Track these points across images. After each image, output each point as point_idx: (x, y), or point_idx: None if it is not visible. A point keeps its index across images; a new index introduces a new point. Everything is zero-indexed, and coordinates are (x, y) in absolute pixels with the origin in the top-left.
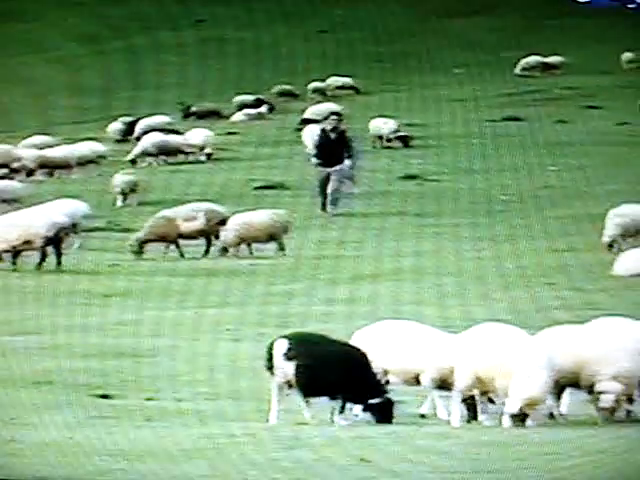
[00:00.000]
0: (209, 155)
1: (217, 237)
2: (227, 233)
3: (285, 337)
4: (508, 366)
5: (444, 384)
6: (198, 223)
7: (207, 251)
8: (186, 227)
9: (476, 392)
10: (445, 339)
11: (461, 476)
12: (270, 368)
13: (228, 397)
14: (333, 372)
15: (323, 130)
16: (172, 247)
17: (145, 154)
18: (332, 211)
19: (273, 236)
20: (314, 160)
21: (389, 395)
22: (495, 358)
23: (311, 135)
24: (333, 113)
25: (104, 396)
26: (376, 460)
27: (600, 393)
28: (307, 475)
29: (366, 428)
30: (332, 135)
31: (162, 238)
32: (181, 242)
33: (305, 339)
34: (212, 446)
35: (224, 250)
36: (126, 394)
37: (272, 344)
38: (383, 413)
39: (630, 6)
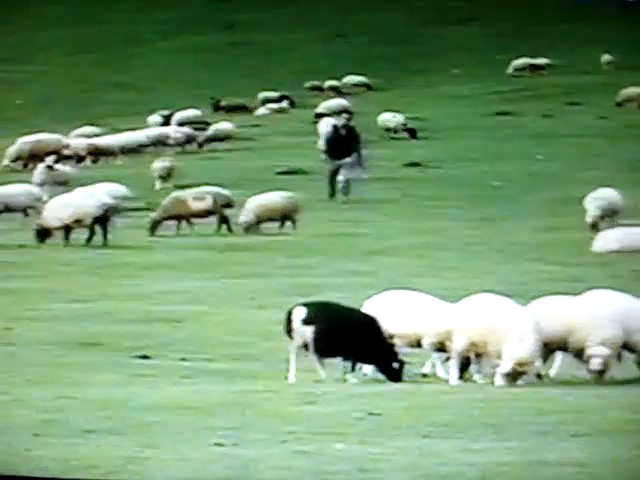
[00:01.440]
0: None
1: (223, 217)
2: (247, 213)
3: (303, 304)
4: (500, 332)
5: (443, 347)
6: (206, 204)
7: (219, 228)
8: (195, 207)
9: (472, 355)
10: (444, 307)
11: (458, 429)
12: (289, 332)
13: (252, 358)
14: (347, 336)
15: (335, 126)
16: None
17: None
18: (343, 198)
19: (287, 215)
20: (325, 153)
21: (400, 357)
22: (488, 325)
23: (324, 127)
24: (344, 111)
25: (144, 357)
26: (383, 414)
27: (590, 357)
28: (322, 427)
29: (374, 385)
30: (342, 131)
31: (174, 217)
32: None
33: (321, 306)
34: (238, 401)
35: (247, 228)
36: (163, 355)
37: (291, 311)
38: (394, 373)
39: None
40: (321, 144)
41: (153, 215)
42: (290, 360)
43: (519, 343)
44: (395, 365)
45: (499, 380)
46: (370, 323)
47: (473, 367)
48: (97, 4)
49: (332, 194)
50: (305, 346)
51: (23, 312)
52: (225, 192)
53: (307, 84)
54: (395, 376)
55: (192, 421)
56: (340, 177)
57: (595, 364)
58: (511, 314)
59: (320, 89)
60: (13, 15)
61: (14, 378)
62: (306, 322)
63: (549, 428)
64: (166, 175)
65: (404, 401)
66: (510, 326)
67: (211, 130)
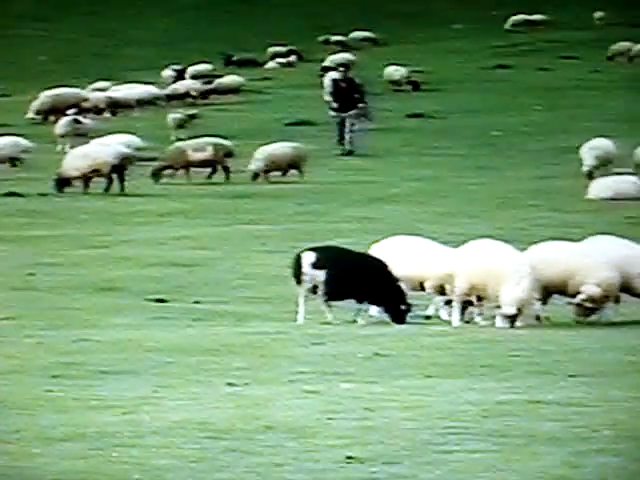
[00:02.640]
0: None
1: (224, 166)
2: (257, 162)
3: (311, 249)
4: (498, 275)
5: (444, 290)
6: (207, 154)
7: (211, 176)
8: (195, 157)
9: (472, 297)
10: (445, 252)
11: (460, 369)
12: (297, 277)
13: (263, 301)
14: (357, 279)
15: (334, 80)
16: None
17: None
18: (349, 148)
19: (294, 165)
20: (330, 107)
21: (407, 300)
22: (487, 268)
23: (327, 81)
24: (340, 65)
25: (159, 300)
26: (388, 354)
27: (579, 293)
28: (329, 367)
29: (380, 327)
30: (342, 84)
31: (175, 166)
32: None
33: (330, 251)
34: (249, 342)
35: (255, 176)
36: (177, 299)
37: (299, 256)
38: (400, 316)
39: None
40: (326, 97)
41: (155, 165)
42: (299, 303)
43: (516, 285)
44: (402, 308)
45: (499, 322)
46: (379, 267)
47: (474, 310)
48: None
49: (341, 143)
50: (314, 289)
51: (44, 259)
52: (225, 142)
53: (320, 38)
54: (401, 318)
55: (205, 362)
56: (344, 131)
57: (579, 297)
58: (509, 258)
59: (328, 43)
60: None
61: (36, 322)
62: (316, 266)
63: (547, 368)
64: (179, 126)
65: (409, 342)
66: (508, 269)
67: (215, 83)
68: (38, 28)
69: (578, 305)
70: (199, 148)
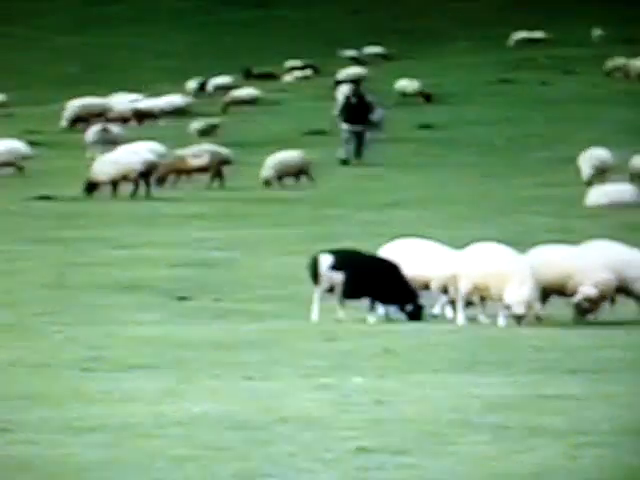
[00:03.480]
0: None
1: (219, 172)
2: (268, 169)
3: (329, 252)
4: (501, 277)
5: (450, 290)
6: (203, 160)
7: (212, 181)
8: (195, 163)
9: (476, 298)
10: (450, 254)
11: (465, 365)
12: (315, 277)
13: (279, 299)
14: (372, 280)
15: (347, 97)
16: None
17: None
18: (358, 159)
19: (303, 171)
20: (339, 119)
21: (418, 299)
22: (490, 270)
23: (339, 95)
24: (352, 81)
25: (181, 298)
26: (397, 350)
27: (576, 293)
28: (342, 361)
29: (390, 325)
30: (353, 99)
31: (176, 172)
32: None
33: (347, 253)
34: (266, 338)
35: (267, 183)
36: (198, 297)
37: (316, 258)
38: (414, 313)
39: None
40: (335, 111)
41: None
42: (314, 301)
43: (520, 287)
44: (415, 306)
45: (502, 321)
46: (392, 268)
47: (478, 309)
48: None
49: (350, 155)
50: (330, 289)
51: (74, 258)
52: (221, 149)
53: (339, 54)
54: (415, 316)
55: (224, 357)
56: (354, 140)
57: (575, 298)
58: (511, 261)
59: (356, 59)
60: None
61: (66, 318)
62: (333, 268)
63: (548, 365)
64: (203, 134)
65: (417, 339)
66: (511, 272)
67: (230, 96)
68: (70, 41)
69: (576, 305)
70: (197, 155)
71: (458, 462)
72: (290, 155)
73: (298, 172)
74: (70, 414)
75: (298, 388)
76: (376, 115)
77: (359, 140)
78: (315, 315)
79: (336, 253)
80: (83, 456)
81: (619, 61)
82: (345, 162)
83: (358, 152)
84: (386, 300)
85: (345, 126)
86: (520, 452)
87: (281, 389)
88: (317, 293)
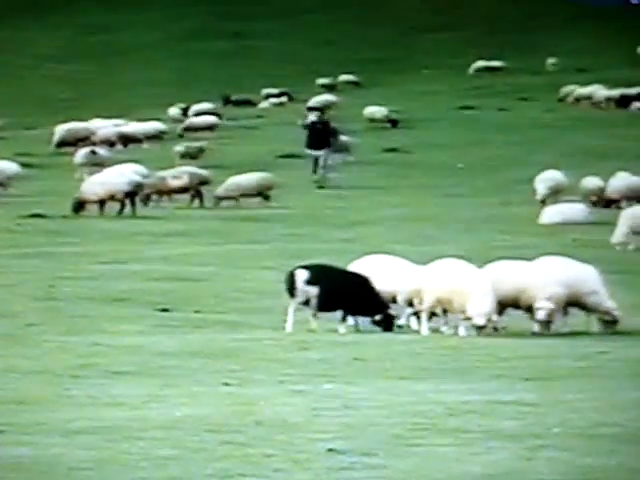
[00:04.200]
0: None
1: (199, 192)
2: (221, 189)
3: (303, 267)
4: (463, 291)
5: (415, 303)
6: (183, 181)
7: (192, 201)
8: (175, 184)
9: (438, 310)
10: (415, 269)
11: (429, 372)
12: (292, 291)
13: (255, 311)
14: (345, 293)
15: (312, 123)
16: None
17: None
18: (323, 182)
19: (260, 192)
20: (306, 146)
21: (389, 311)
22: (452, 285)
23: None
24: (313, 108)
25: (164, 309)
26: (365, 359)
27: (537, 310)
28: (314, 369)
29: (359, 335)
30: (318, 126)
31: (158, 192)
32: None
33: (321, 268)
34: (242, 348)
35: (219, 200)
36: (180, 309)
37: (293, 273)
38: (386, 324)
39: (634, 2)
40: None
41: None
42: (288, 314)
43: (480, 300)
44: (379, 317)
45: (462, 331)
46: (364, 282)
47: (440, 320)
48: (128, 14)
49: (321, 182)
50: (306, 302)
51: (64, 272)
52: (200, 171)
53: (319, 81)
54: (387, 326)
55: (203, 365)
56: (318, 167)
57: (541, 315)
58: (472, 276)
59: (328, 86)
60: (60, 22)
61: (56, 328)
62: (309, 282)
63: (505, 372)
64: (185, 157)
65: (383, 348)
66: (472, 287)
67: (187, 122)
68: (60, 69)
69: (541, 320)
70: (177, 176)
71: (421, 463)
72: (247, 178)
73: (256, 193)
74: (60, 417)
75: (273, 394)
76: (340, 141)
77: (320, 163)
78: (289, 326)
79: (311, 268)
80: (72, 457)
81: (570, 88)
82: (321, 187)
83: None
84: (358, 312)
85: (309, 151)
86: (479, 454)
87: (257, 394)
88: (292, 306)
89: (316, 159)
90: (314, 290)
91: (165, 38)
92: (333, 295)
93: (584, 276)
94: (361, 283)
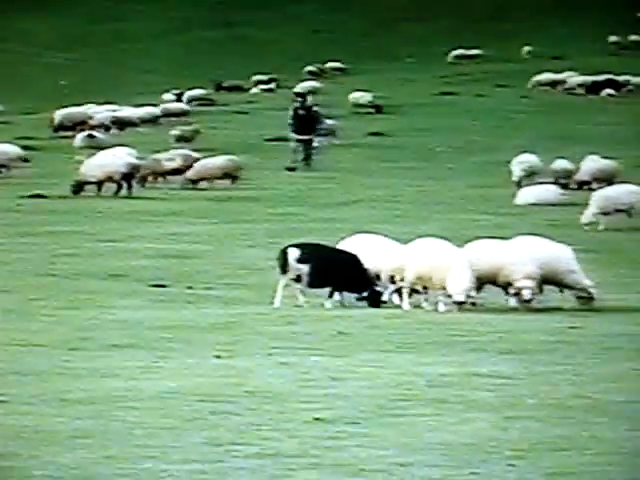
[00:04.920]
0: None
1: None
2: (190, 171)
3: (294, 245)
4: (442, 268)
5: (397, 280)
6: (175, 163)
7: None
8: (167, 165)
9: (419, 287)
10: (397, 248)
11: (410, 346)
12: (283, 268)
13: (245, 287)
14: (335, 270)
15: (295, 109)
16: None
17: None
18: (307, 167)
19: (228, 174)
20: (290, 131)
21: (376, 287)
22: (432, 262)
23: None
24: (297, 94)
25: (159, 285)
26: (350, 332)
27: (520, 289)
28: (301, 343)
29: (344, 310)
30: (301, 112)
31: (153, 174)
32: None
33: (311, 247)
34: (233, 322)
35: (191, 182)
36: (174, 284)
37: (285, 251)
38: (373, 300)
39: None
40: (289, 121)
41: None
42: (278, 290)
43: (459, 277)
44: (365, 294)
45: (442, 307)
46: (353, 259)
47: (421, 296)
48: (129, 4)
49: (293, 165)
50: (296, 279)
51: (63, 250)
52: (192, 153)
53: (306, 69)
54: (372, 302)
55: (196, 338)
56: (300, 149)
57: (526, 294)
58: (451, 254)
59: (314, 73)
60: (60, 12)
61: (56, 303)
62: (300, 260)
63: (482, 346)
64: (181, 140)
65: (367, 323)
66: (451, 264)
67: (162, 108)
68: (61, 57)
69: (523, 300)
70: (171, 158)
71: (403, 432)
72: (215, 160)
73: (224, 175)
74: (59, 388)
75: (262, 366)
76: (324, 125)
77: (307, 149)
78: (278, 302)
79: (302, 246)
80: (71, 426)
81: (545, 76)
82: (291, 169)
83: (307, 159)
84: (347, 289)
85: (294, 136)
86: (457, 424)
87: (247, 367)
88: (282, 282)
89: (303, 143)
90: (305, 267)
91: (160, 29)
92: (323, 272)
93: (560, 255)
94: (350, 261)
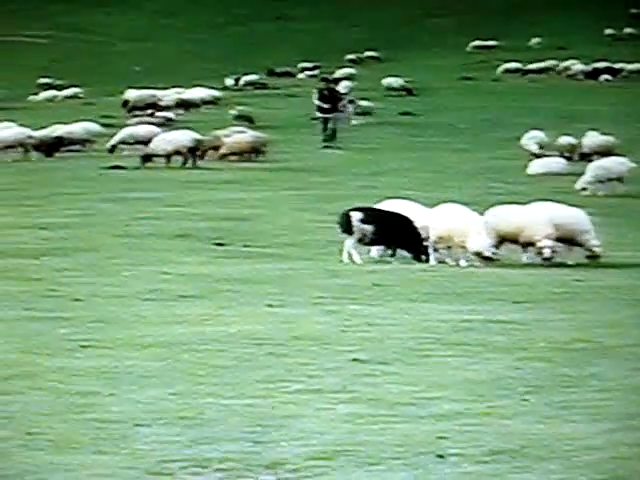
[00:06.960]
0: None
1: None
2: (223, 147)
3: (355, 209)
4: (461, 229)
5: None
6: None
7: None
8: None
9: (441, 245)
10: (424, 212)
11: (435, 296)
12: (349, 230)
13: (295, 245)
14: (394, 231)
15: (319, 90)
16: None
17: None
18: (329, 144)
19: (256, 149)
20: (316, 109)
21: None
22: (452, 225)
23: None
24: (323, 79)
25: (219, 244)
26: (384, 284)
27: (541, 248)
28: (342, 293)
29: (378, 265)
30: (325, 92)
31: (214, 148)
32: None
33: (371, 210)
34: (283, 275)
35: (223, 156)
36: (232, 243)
37: (347, 214)
38: (423, 257)
39: None
40: (315, 102)
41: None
42: (349, 249)
43: (477, 236)
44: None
45: (463, 262)
46: (407, 221)
47: (445, 253)
48: (193, 2)
49: (325, 139)
50: (360, 240)
51: (137, 214)
52: (249, 131)
53: (346, 57)
54: (423, 259)
55: (251, 289)
56: (328, 129)
57: (547, 253)
58: (468, 218)
59: (353, 61)
60: (136, 7)
61: (131, 260)
62: (364, 222)
63: (497, 296)
64: (236, 119)
65: (398, 276)
66: (468, 226)
67: (181, 98)
68: (134, 46)
69: (544, 258)
70: (229, 135)
71: (429, 370)
72: (243, 136)
73: (252, 151)
74: (134, 334)
75: (308, 313)
76: (347, 109)
77: (331, 124)
78: (358, 259)
79: (363, 210)
80: (143, 366)
81: (550, 62)
82: (327, 145)
83: (333, 136)
84: (403, 247)
85: (319, 114)
86: (476, 363)
87: (295, 314)
88: (350, 243)
89: (325, 120)
90: (369, 228)
91: (219, 22)
92: (384, 232)
93: (577, 217)
94: (407, 222)
